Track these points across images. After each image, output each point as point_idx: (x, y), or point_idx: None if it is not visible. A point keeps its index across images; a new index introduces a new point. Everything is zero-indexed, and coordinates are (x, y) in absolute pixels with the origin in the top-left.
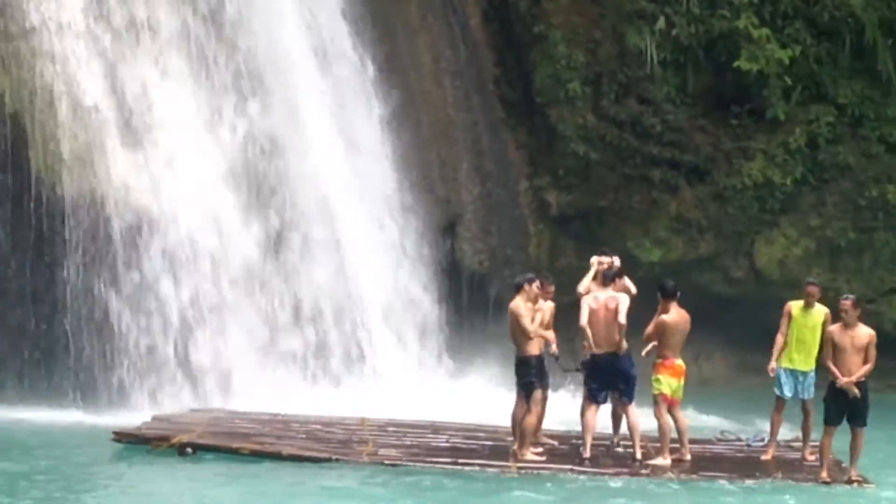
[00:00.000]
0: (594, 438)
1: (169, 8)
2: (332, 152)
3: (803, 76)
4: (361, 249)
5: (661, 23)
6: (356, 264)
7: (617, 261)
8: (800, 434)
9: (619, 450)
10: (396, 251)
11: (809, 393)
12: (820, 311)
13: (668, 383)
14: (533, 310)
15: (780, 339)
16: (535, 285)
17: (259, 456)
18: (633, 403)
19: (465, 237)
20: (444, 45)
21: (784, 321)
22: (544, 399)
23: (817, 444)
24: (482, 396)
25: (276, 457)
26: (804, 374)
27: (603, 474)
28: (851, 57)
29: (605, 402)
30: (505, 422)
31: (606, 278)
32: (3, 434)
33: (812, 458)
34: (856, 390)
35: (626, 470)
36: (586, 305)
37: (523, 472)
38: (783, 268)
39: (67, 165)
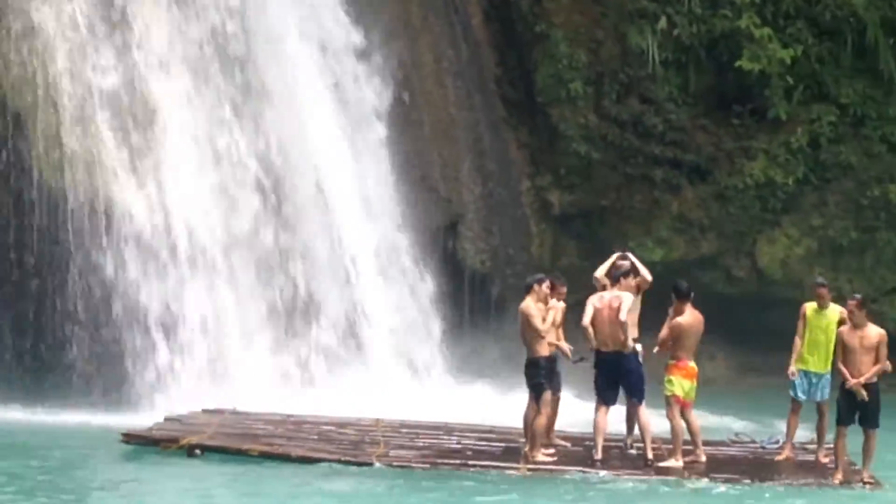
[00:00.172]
0: (608, 440)
1: (173, 11)
2: (333, 152)
3: (805, 76)
4: (362, 250)
5: (662, 22)
6: (358, 265)
7: (628, 264)
8: (815, 436)
9: (633, 451)
10: (398, 251)
11: (824, 395)
12: (834, 312)
13: (680, 385)
14: (544, 310)
15: (797, 341)
16: (545, 285)
17: (268, 457)
18: (644, 404)
19: (466, 237)
20: (446, 45)
21: (800, 323)
22: (556, 400)
23: (832, 445)
24: (483, 396)
25: (285, 458)
26: (818, 375)
27: (614, 476)
28: (853, 56)
29: (614, 402)
30: (510, 422)
31: (613, 278)
32: (8, 436)
33: (826, 459)
34: (864, 392)
35: (637, 471)
36: (591, 305)
37: (533, 473)
38: (785, 267)
39: (69, 166)
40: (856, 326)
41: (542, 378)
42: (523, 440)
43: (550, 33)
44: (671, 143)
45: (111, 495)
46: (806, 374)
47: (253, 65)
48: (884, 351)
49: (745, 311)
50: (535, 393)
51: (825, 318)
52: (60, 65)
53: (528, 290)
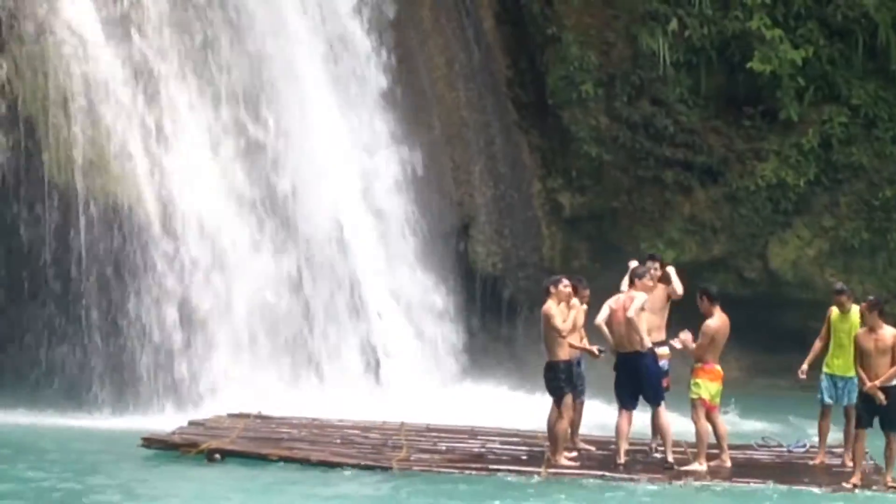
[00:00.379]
0: (632, 444)
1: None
2: (343, 156)
3: (816, 77)
4: (374, 253)
5: (673, 24)
6: (369, 267)
7: (647, 266)
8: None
9: (657, 455)
10: (409, 254)
11: (851, 398)
12: (856, 315)
13: (707, 388)
14: (566, 311)
15: (817, 343)
16: (562, 285)
17: (289, 462)
18: (663, 406)
19: (478, 239)
20: (458, 48)
21: (824, 327)
22: (581, 404)
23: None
24: (495, 398)
25: (305, 462)
26: (843, 379)
27: (636, 480)
28: (864, 57)
29: (635, 406)
30: (524, 424)
31: (630, 278)
32: (21, 440)
33: (852, 463)
34: (881, 396)
35: (659, 476)
36: (607, 306)
37: (554, 477)
38: (797, 269)
39: (81, 170)
40: (871, 329)
41: (561, 382)
42: (548, 444)
43: (562, 36)
44: (682, 144)
45: (128, 500)
46: (832, 378)
47: (265, 68)
48: None
49: (757, 312)
50: (556, 396)
51: (848, 322)
52: (73, 69)
53: (546, 293)
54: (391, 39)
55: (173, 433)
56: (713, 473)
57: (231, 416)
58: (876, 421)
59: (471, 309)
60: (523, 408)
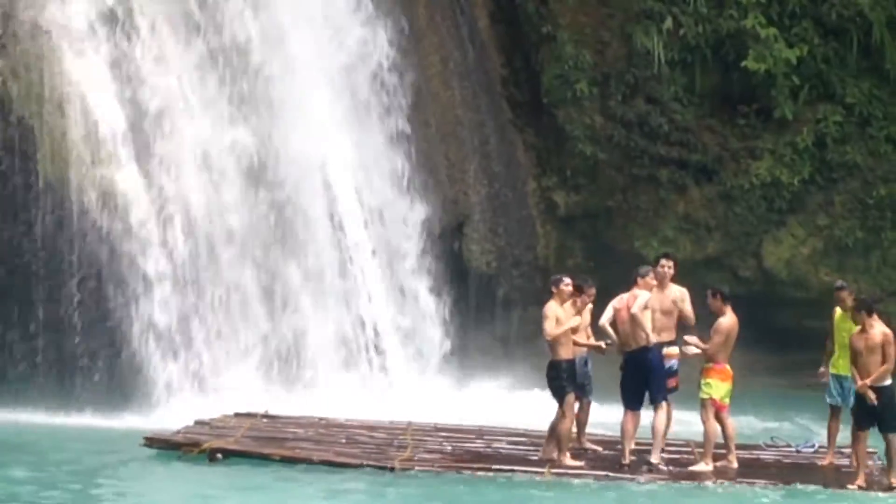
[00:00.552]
0: (640, 444)
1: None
2: (339, 153)
3: (811, 76)
4: (367, 250)
5: (668, 23)
6: (362, 265)
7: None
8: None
9: (665, 455)
10: (403, 252)
11: None
12: None
13: (717, 388)
14: (571, 310)
15: (828, 344)
16: (563, 284)
17: (292, 462)
18: (664, 405)
19: (472, 238)
20: (452, 47)
21: (831, 327)
22: (587, 405)
23: (871, 449)
24: (488, 397)
25: (308, 462)
26: (848, 379)
27: (640, 480)
28: (859, 56)
29: (640, 407)
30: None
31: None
32: (20, 439)
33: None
34: (872, 395)
35: (664, 476)
36: (611, 306)
37: (559, 477)
38: (791, 267)
39: (75, 169)
40: (862, 329)
41: (563, 381)
42: (542, 444)
43: (556, 34)
44: (677, 143)
45: (128, 500)
46: (836, 377)
47: (260, 69)
48: (890, 351)
49: (752, 311)
50: (558, 396)
51: (850, 321)
52: (67, 68)
53: (550, 293)
54: (386, 37)
55: (178, 432)
56: (719, 474)
57: (237, 415)
58: None
59: (465, 307)
60: (516, 406)
